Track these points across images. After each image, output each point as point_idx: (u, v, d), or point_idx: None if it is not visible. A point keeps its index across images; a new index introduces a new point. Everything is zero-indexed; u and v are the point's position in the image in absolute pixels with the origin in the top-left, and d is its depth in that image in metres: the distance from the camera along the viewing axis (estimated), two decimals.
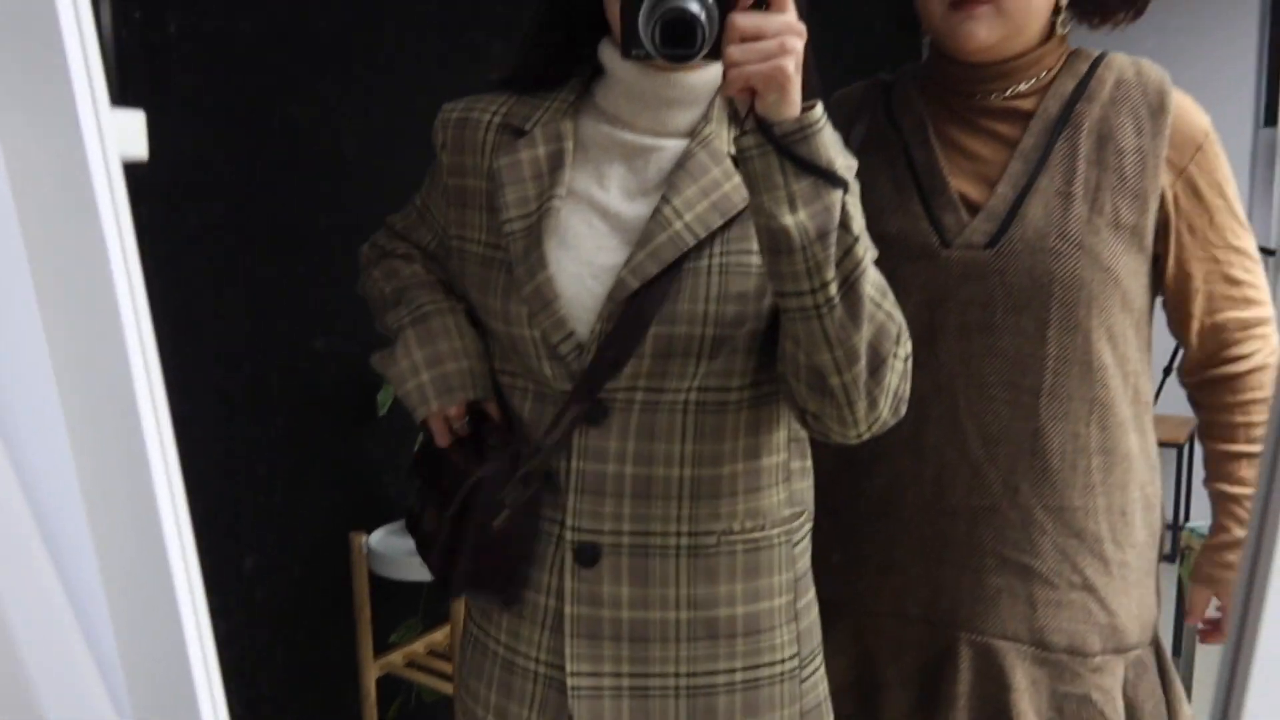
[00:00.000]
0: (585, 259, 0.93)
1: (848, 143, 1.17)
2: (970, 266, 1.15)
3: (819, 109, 0.79)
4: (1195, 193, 1.17)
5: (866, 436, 0.92)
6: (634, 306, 0.90)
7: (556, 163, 0.94)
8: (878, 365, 0.86)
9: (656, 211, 0.92)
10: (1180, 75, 1.23)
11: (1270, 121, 3.53)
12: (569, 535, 0.96)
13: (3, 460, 0.57)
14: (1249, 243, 1.20)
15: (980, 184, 1.19)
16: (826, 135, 0.80)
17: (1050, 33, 1.19)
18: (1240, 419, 1.22)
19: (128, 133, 0.62)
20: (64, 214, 0.60)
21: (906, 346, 0.91)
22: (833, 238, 0.80)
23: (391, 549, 1.97)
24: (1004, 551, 1.17)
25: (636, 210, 0.94)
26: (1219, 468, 1.23)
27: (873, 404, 0.88)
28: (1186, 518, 3.21)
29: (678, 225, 0.91)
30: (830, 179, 0.79)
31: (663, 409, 0.94)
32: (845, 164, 0.85)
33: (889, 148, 1.23)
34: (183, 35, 1.73)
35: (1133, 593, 1.20)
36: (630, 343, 0.90)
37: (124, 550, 0.60)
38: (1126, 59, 1.21)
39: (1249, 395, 1.21)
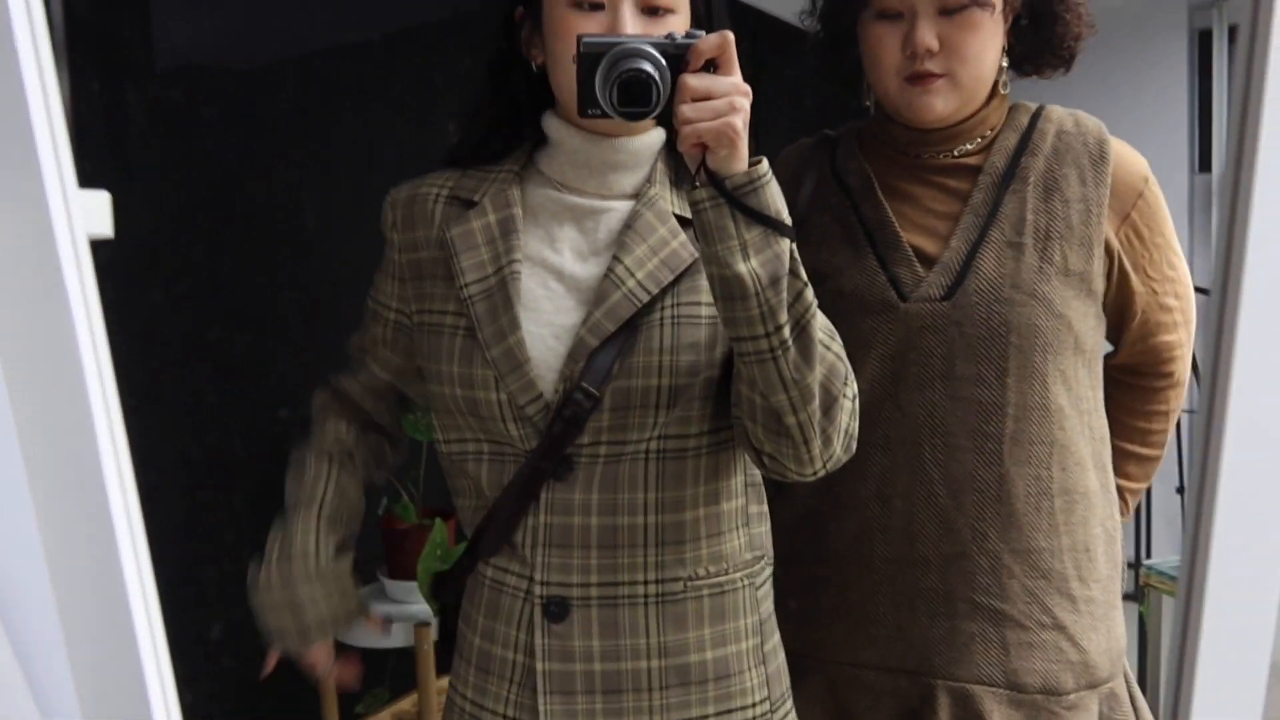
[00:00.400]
0: (546, 320, 0.95)
1: (795, 199, 1.21)
2: (928, 319, 1.18)
3: (765, 163, 0.83)
4: (1138, 235, 1.22)
5: (822, 474, 0.94)
6: (593, 363, 0.93)
7: (508, 228, 0.97)
8: (830, 404, 0.89)
9: (609, 271, 0.95)
10: (1116, 125, 1.28)
11: (1205, 167, 3.64)
12: (537, 590, 0.96)
13: None
14: (1183, 269, 1.27)
15: (933, 237, 1.21)
16: (774, 187, 0.84)
17: (993, 92, 1.24)
18: (1143, 424, 1.32)
19: (94, 213, 0.64)
20: (32, 290, 0.61)
21: (854, 386, 0.94)
22: (784, 283, 0.83)
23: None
24: (975, 597, 1.18)
25: (589, 270, 0.97)
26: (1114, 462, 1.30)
27: (827, 441, 0.90)
28: (1148, 554, 3.25)
29: (630, 283, 0.94)
30: (779, 228, 0.83)
31: (625, 460, 0.96)
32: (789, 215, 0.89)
33: (838, 205, 1.25)
34: (144, 111, 1.76)
35: (1100, 627, 1.21)
36: (592, 398, 0.93)
37: (89, 617, 0.60)
38: (1064, 111, 1.27)
39: (1159, 406, 1.31)
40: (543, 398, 0.94)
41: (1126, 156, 1.23)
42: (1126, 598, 1.34)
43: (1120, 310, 1.25)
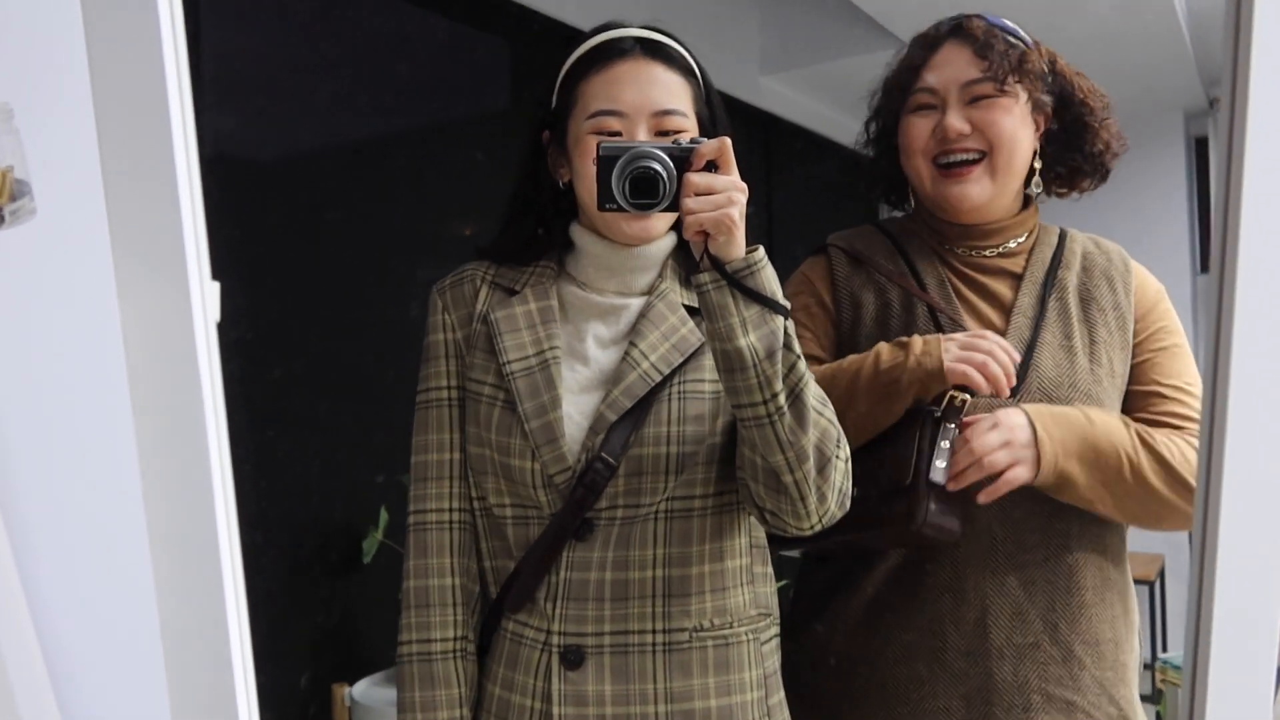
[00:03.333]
0: (572, 400, 1.01)
1: (863, 283, 1.26)
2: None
3: (761, 250, 0.89)
4: (1151, 334, 1.23)
5: (819, 529, 0.97)
6: (611, 436, 0.98)
7: (547, 317, 1.05)
8: (824, 464, 0.93)
9: (626, 355, 1.01)
10: (1119, 229, 1.33)
11: (1206, 268, 3.59)
12: (555, 640, 1.00)
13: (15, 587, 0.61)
14: (1196, 383, 1.23)
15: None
16: (769, 271, 0.90)
17: (1026, 201, 1.26)
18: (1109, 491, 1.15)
19: (211, 299, 0.70)
20: (168, 365, 0.66)
21: (846, 449, 0.97)
22: (779, 355, 0.88)
23: (374, 700, 1.84)
24: (1048, 688, 1.15)
25: (610, 356, 1.03)
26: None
27: (822, 498, 0.94)
28: (1164, 648, 3.08)
29: (645, 365, 1.00)
30: (774, 306, 0.89)
31: (639, 521, 1.00)
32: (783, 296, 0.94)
33: (910, 295, 1.25)
34: (279, 219, 1.88)
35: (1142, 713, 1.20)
36: (610, 466, 0.98)
37: (191, 656, 0.63)
38: (1083, 235, 1.30)
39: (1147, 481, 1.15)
40: (569, 468, 0.99)
41: (1143, 273, 1.27)
42: (1144, 699, 1.29)
43: (1133, 398, 1.22)
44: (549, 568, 1.00)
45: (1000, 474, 1.09)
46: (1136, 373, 1.22)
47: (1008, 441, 1.10)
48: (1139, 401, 1.21)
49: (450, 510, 1.07)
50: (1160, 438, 1.14)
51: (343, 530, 1.97)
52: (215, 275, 0.69)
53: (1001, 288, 1.25)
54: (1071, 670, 1.15)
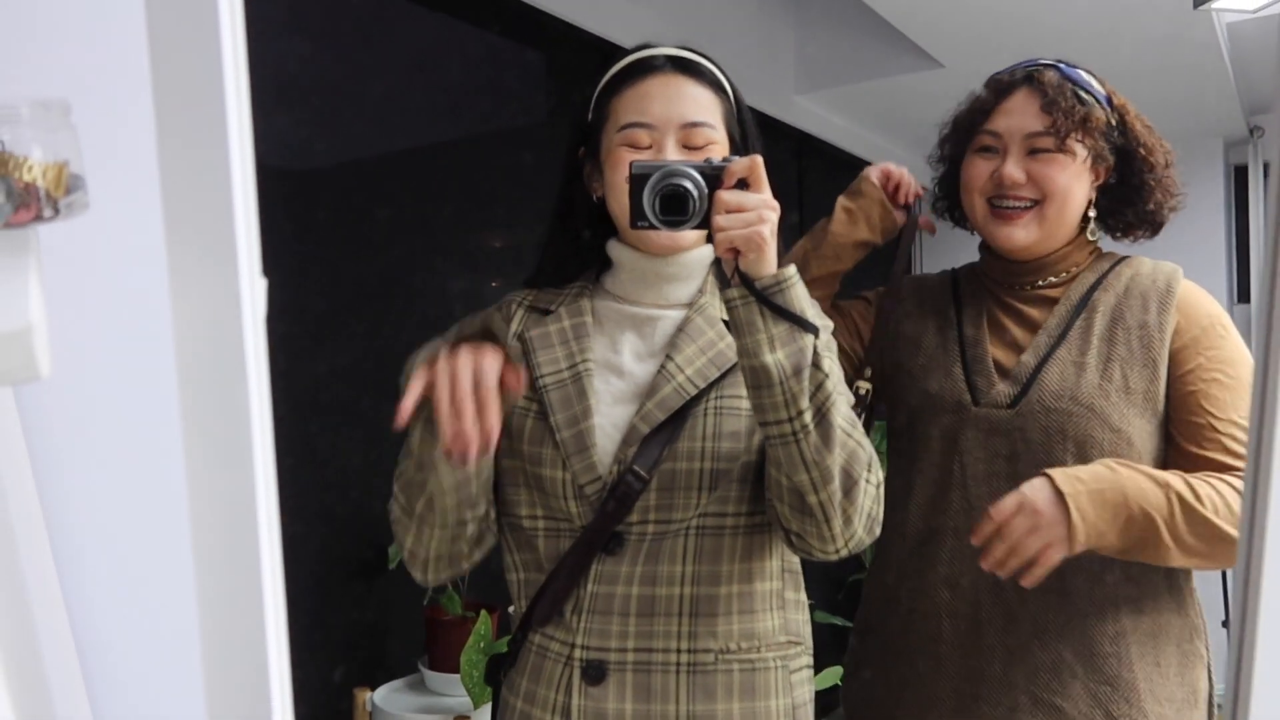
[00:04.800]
0: (606, 411, 1.00)
1: (919, 314, 1.33)
2: (994, 423, 1.21)
3: (792, 268, 0.88)
4: (1199, 365, 1.19)
5: (845, 553, 0.95)
6: (645, 449, 0.96)
7: (580, 333, 1.04)
8: (850, 486, 0.90)
9: (662, 368, 1.00)
10: (1156, 258, 1.30)
11: (1244, 298, 3.58)
12: (578, 654, 0.97)
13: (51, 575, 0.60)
14: (1244, 409, 1.18)
15: (1010, 352, 1.26)
16: (799, 290, 0.88)
17: (1078, 238, 1.27)
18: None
19: (260, 295, 0.69)
20: (215, 360, 0.66)
21: (878, 474, 0.95)
22: (806, 374, 0.86)
23: (395, 705, 1.83)
24: (1036, 691, 1.15)
25: (646, 369, 1.02)
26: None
27: (848, 521, 0.92)
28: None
29: (680, 378, 0.99)
30: (803, 325, 0.87)
31: (669, 537, 0.98)
32: (816, 314, 0.92)
33: (947, 323, 1.32)
34: (329, 217, 1.89)
35: None
36: (642, 480, 0.96)
37: (227, 646, 0.63)
38: (1149, 261, 1.28)
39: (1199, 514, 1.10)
40: (600, 479, 0.97)
41: (1196, 296, 1.24)
42: None
43: (1181, 431, 1.19)
44: (577, 580, 0.98)
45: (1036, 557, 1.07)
46: (1189, 402, 1.19)
47: (1035, 527, 1.07)
48: (1190, 432, 1.18)
49: None
50: (1204, 490, 1.10)
51: (383, 525, 1.97)
52: (264, 272, 0.69)
53: (1036, 312, 1.27)
54: (1061, 677, 1.14)
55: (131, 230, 0.67)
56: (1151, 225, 1.28)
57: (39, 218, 0.47)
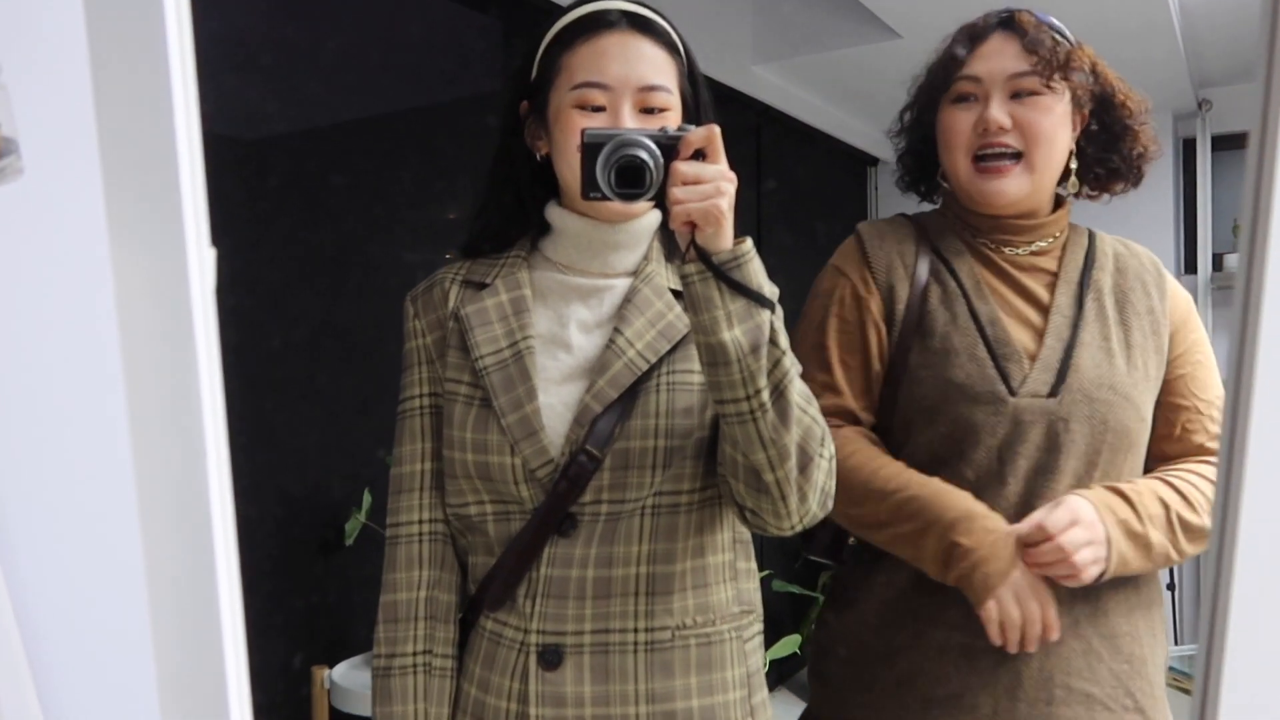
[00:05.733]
0: (553, 391, 0.97)
1: (900, 275, 1.21)
2: (1037, 413, 1.14)
3: (749, 242, 0.85)
4: (1187, 348, 1.21)
5: (799, 529, 0.94)
6: (596, 428, 0.94)
7: (520, 307, 0.99)
8: (806, 463, 0.90)
9: (611, 343, 0.97)
10: (1107, 230, 1.29)
11: (1190, 269, 3.65)
12: (533, 639, 0.95)
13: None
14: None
15: (1027, 333, 1.18)
16: (756, 264, 0.86)
17: (1059, 201, 1.24)
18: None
19: (208, 265, 0.65)
20: (162, 332, 0.62)
21: (830, 448, 0.94)
22: (763, 351, 0.84)
23: (354, 683, 1.81)
24: (1070, 682, 1.13)
25: (593, 342, 0.99)
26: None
27: (803, 498, 0.91)
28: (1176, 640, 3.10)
29: (630, 354, 0.96)
30: (760, 300, 0.85)
31: (624, 517, 0.96)
32: (771, 289, 0.90)
33: (951, 295, 1.20)
34: (281, 185, 1.83)
35: (1164, 709, 1.18)
36: (595, 460, 0.94)
37: (179, 633, 0.60)
38: (1110, 237, 1.27)
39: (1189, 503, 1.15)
40: (552, 460, 0.95)
41: (1175, 283, 1.24)
42: None
43: (1167, 418, 1.22)
44: (529, 564, 0.96)
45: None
46: (1177, 386, 1.20)
47: (1091, 540, 1.07)
48: (1177, 415, 1.20)
49: (421, 523, 1.02)
50: (1195, 496, 1.13)
51: (341, 505, 1.93)
52: (213, 242, 0.65)
53: (1037, 286, 1.21)
54: (1090, 663, 1.14)
55: (68, 199, 0.63)
56: (1136, 174, 1.24)
57: None
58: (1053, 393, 1.14)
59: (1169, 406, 1.20)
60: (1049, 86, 1.15)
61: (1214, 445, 1.22)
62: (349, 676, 1.84)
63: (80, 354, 0.62)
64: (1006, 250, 1.22)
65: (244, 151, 1.82)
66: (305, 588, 1.89)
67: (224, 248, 0.66)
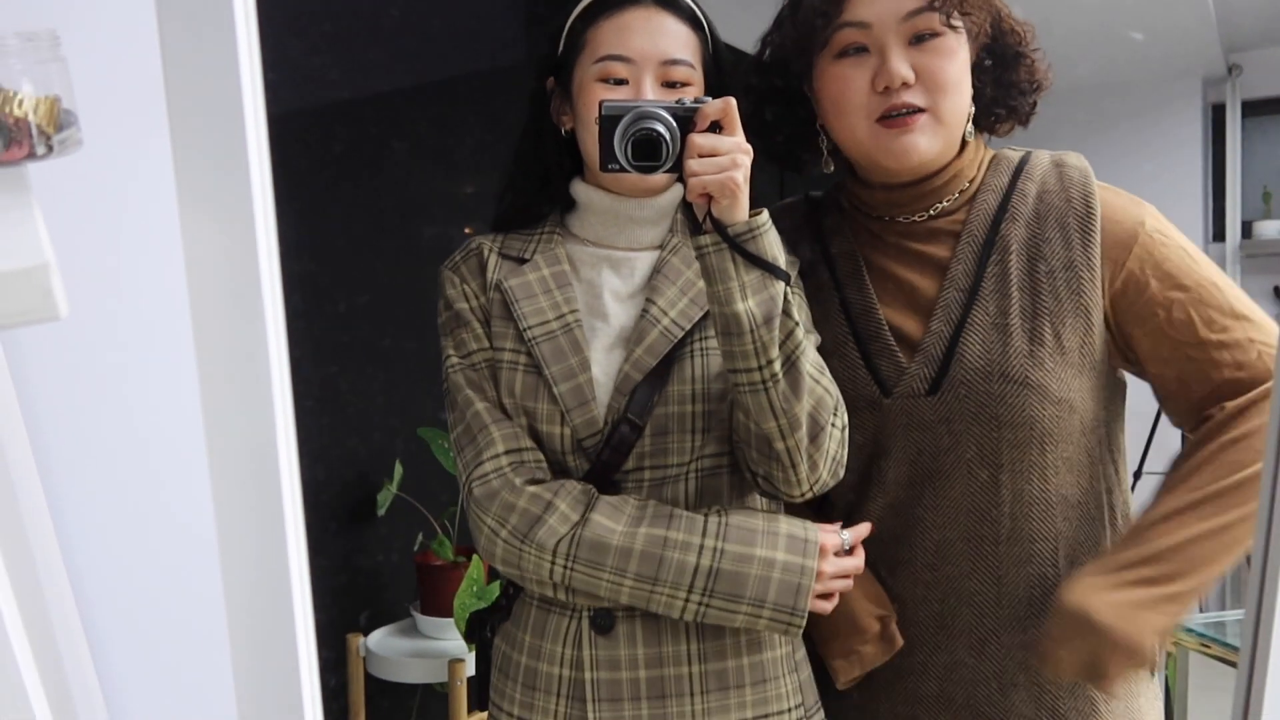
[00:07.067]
0: (598, 361, 0.98)
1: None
2: (913, 415, 1.00)
3: (765, 214, 0.85)
4: (1141, 291, 0.99)
5: (810, 496, 0.94)
6: (636, 396, 0.95)
7: (562, 281, 1.00)
8: (817, 432, 0.90)
9: (644, 312, 0.98)
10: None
11: (1219, 237, 3.52)
12: (584, 606, 0.97)
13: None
14: (1229, 320, 0.97)
15: (914, 316, 1.03)
16: (771, 236, 0.86)
17: (964, 142, 1.03)
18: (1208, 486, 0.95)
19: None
20: (231, 298, 0.64)
21: (843, 417, 0.94)
22: (776, 322, 0.85)
23: (389, 650, 1.81)
24: (979, 707, 1.02)
25: (628, 312, 1.00)
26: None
27: (814, 466, 0.91)
28: None
29: (665, 321, 0.97)
30: (775, 272, 0.85)
31: (669, 483, 0.97)
32: (788, 260, 0.89)
33: (822, 286, 1.07)
34: (346, 153, 1.85)
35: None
36: (636, 428, 0.95)
37: (252, 590, 0.61)
38: (1048, 161, 1.05)
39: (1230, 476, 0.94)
40: (599, 431, 0.96)
41: (1115, 206, 1.00)
42: None
43: (1163, 391, 1.00)
44: None
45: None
46: (1170, 337, 0.98)
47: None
48: (1177, 369, 0.98)
49: (523, 450, 0.96)
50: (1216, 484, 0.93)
51: (406, 467, 1.97)
52: (278, 209, 0.66)
53: (939, 250, 1.04)
54: (1004, 689, 1.02)
55: (138, 169, 0.64)
56: (1027, 110, 1.05)
57: (31, 155, 0.44)
58: (933, 389, 0.99)
59: (1163, 362, 0.99)
60: (950, 25, 0.96)
61: (1238, 375, 0.96)
62: (384, 644, 1.86)
63: (150, 326, 0.63)
64: (902, 220, 1.05)
65: (308, 119, 1.85)
66: (372, 549, 1.93)
67: (289, 215, 0.67)
